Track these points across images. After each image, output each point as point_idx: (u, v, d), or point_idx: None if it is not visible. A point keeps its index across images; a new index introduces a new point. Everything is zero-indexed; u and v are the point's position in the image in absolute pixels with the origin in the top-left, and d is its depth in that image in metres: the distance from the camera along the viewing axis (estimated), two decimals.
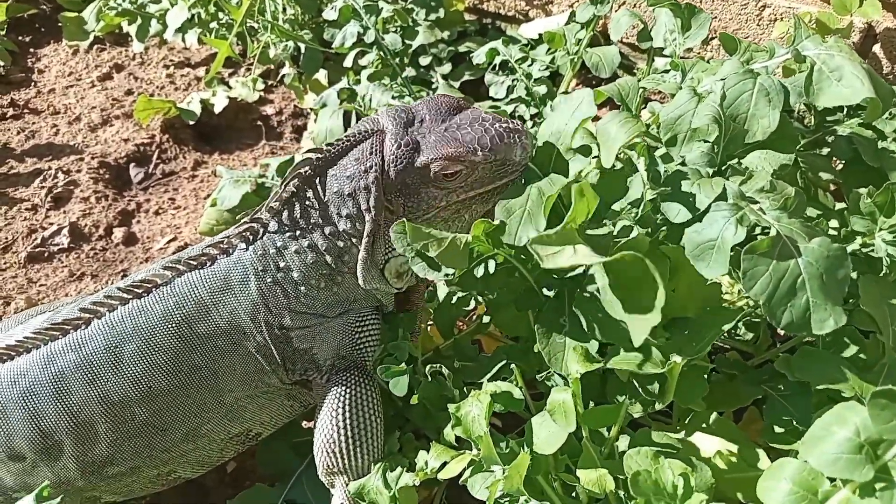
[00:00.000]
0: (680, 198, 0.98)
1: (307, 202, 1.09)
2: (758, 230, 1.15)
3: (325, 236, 1.10)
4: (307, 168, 1.08)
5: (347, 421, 1.13)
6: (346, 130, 1.82)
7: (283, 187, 1.10)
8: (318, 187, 1.08)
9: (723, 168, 1.06)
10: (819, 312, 0.82)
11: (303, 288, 1.12)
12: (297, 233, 1.10)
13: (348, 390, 1.14)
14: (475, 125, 1.04)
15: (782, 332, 1.47)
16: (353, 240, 1.10)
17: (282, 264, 1.11)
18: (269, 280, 1.11)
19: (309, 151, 1.09)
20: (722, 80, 1.16)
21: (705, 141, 1.12)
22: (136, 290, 1.11)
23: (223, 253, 1.12)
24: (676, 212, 0.96)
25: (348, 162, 1.06)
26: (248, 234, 1.12)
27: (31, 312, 1.36)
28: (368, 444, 1.14)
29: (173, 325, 1.10)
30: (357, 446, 1.13)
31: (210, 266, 1.12)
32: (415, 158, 1.03)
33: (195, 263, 1.12)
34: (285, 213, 1.10)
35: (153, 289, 1.11)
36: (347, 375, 1.15)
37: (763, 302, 0.83)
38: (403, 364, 1.13)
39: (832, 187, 1.53)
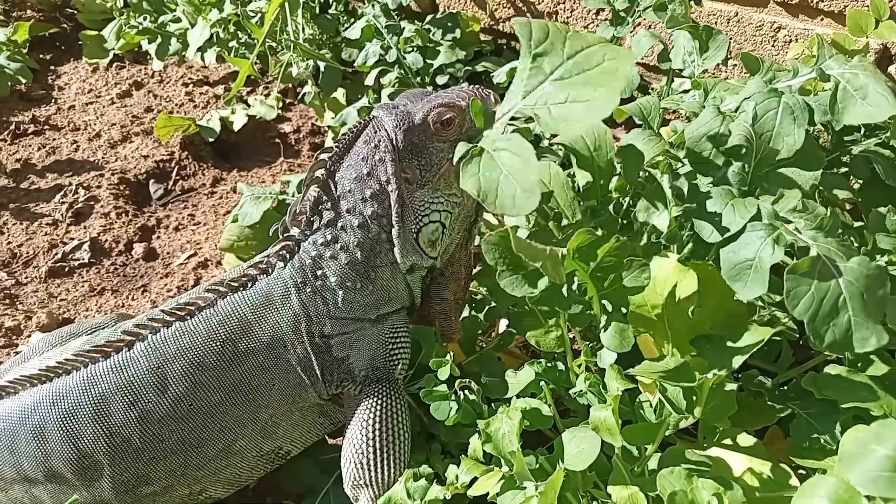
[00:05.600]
0: (710, 217, 0.99)
1: (330, 204, 1.15)
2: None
3: (354, 230, 1.14)
4: (321, 170, 1.15)
5: (378, 433, 1.15)
6: None
7: (304, 195, 1.16)
8: (337, 185, 1.14)
9: (752, 187, 1.07)
10: (861, 331, 0.83)
11: (341, 292, 1.15)
12: (329, 237, 1.15)
13: (380, 402, 1.16)
14: (449, 91, 1.18)
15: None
16: (383, 220, 1.14)
17: (319, 272, 1.15)
18: (309, 290, 1.15)
19: (319, 153, 1.16)
20: (746, 99, 1.18)
21: (732, 160, 1.14)
22: (179, 312, 1.14)
23: (263, 273, 1.16)
24: (710, 231, 0.97)
25: (358, 147, 1.14)
26: (285, 251, 1.17)
27: (63, 334, 1.37)
28: (396, 457, 1.15)
29: (217, 343, 1.12)
30: (385, 459, 1.14)
31: (252, 286, 1.16)
32: (413, 118, 1.13)
33: (237, 285, 1.16)
34: (314, 223, 1.16)
35: (196, 311, 1.14)
36: (379, 388, 1.18)
37: (807, 321, 0.84)
38: (445, 387, 1.13)
39: (847, 206, 1.54)
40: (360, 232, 1.14)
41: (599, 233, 1.02)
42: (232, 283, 1.16)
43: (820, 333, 0.87)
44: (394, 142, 1.12)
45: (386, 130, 1.12)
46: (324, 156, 1.15)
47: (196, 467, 1.16)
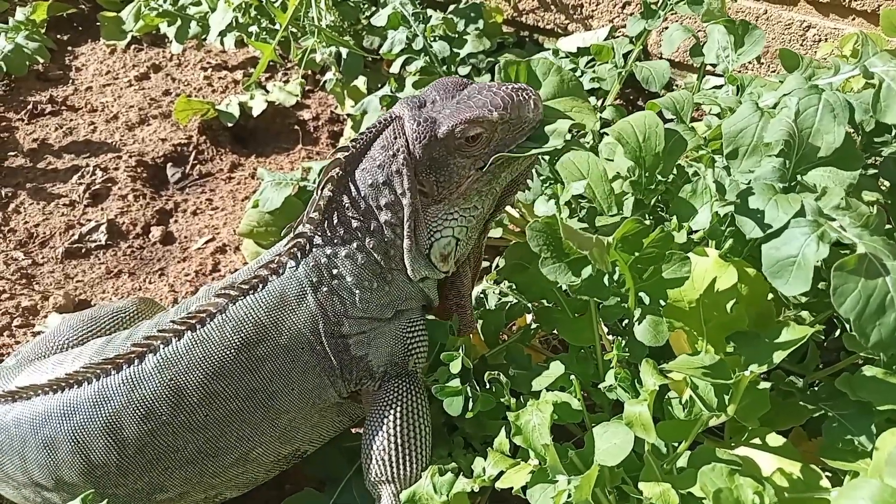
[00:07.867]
0: (751, 212, 0.98)
1: (345, 205, 1.11)
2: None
3: (370, 233, 1.10)
4: (337, 169, 1.10)
5: (399, 429, 1.13)
6: None
7: (318, 194, 1.11)
8: (352, 186, 1.10)
9: (792, 184, 1.06)
10: None
11: (357, 291, 1.12)
12: (344, 237, 1.11)
13: (399, 398, 1.14)
14: (484, 92, 1.07)
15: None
16: (397, 230, 1.11)
17: (335, 272, 1.11)
18: (325, 290, 1.11)
19: (336, 151, 1.11)
20: (786, 95, 1.16)
21: (770, 156, 1.12)
22: (190, 321, 1.10)
23: (274, 273, 1.12)
24: (752, 227, 0.96)
25: (375, 152, 1.09)
26: (296, 249, 1.12)
27: (84, 317, 1.35)
28: (418, 452, 1.14)
29: (232, 351, 1.09)
30: (407, 455, 1.13)
31: (263, 288, 1.11)
32: (436, 131, 1.05)
33: (248, 287, 1.11)
34: (327, 222, 1.11)
35: (208, 318, 1.10)
36: (398, 383, 1.16)
37: (853, 320, 0.83)
38: (458, 382, 1.11)
39: (874, 208, 1.52)
40: (376, 235, 1.10)
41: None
42: (243, 286, 1.11)
43: (866, 332, 0.86)
44: (412, 154, 1.06)
45: (406, 138, 1.06)
46: (340, 155, 1.10)
47: (212, 475, 1.15)
